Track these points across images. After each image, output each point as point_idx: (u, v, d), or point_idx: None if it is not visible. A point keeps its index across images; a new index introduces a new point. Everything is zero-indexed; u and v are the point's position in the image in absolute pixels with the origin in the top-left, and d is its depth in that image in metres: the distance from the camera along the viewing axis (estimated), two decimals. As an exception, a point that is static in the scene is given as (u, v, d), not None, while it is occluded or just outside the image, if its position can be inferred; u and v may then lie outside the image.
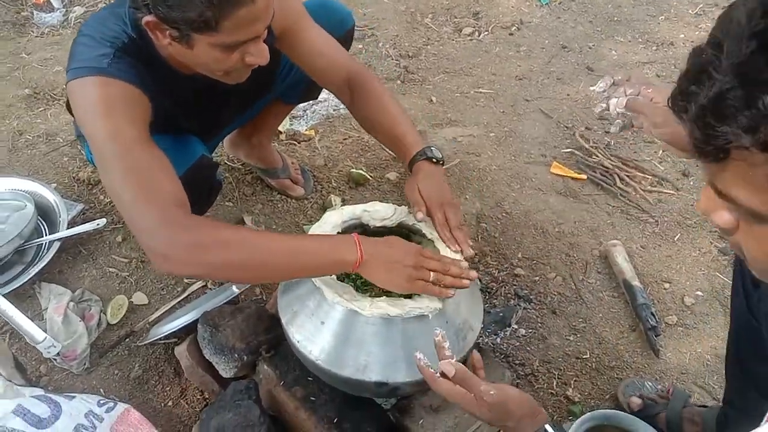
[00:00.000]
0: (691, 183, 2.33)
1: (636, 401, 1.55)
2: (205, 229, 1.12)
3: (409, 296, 1.26)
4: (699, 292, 1.91)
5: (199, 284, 1.80)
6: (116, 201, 1.19)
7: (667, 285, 1.94)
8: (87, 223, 1.88)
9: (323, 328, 1.20)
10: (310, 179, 2.24)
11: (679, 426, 1.49)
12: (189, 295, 1.77)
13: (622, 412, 1.28)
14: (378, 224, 1.36)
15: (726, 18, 0.56)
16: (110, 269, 1.85)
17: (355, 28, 3.05)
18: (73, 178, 2.18)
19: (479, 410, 0.97)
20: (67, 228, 1.86)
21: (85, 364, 1.58)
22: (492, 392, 0.96)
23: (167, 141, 1.28)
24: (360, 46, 3.04)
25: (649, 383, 1.60)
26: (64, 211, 1.89)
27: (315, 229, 1.30)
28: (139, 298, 1.77)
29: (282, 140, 2.43)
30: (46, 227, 1.91)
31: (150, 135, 1.20)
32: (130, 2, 1.19)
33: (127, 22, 1.25)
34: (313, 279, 1.20)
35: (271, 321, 1.45)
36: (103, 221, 1.88)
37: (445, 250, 1.26)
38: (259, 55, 1.22)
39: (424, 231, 1.33)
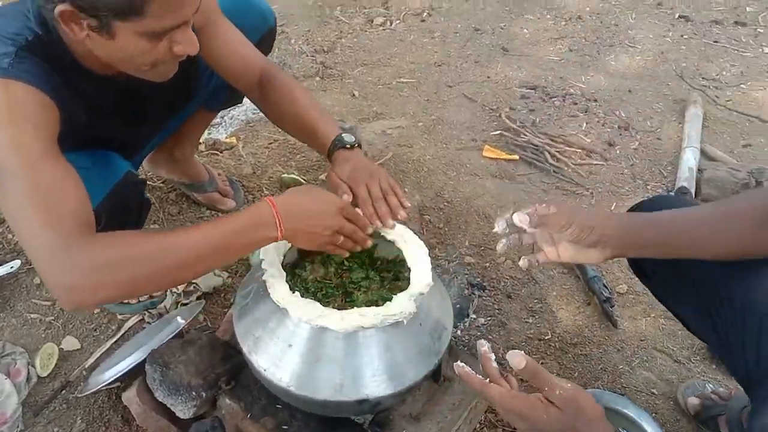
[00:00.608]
0: (618, 152, 2.38)
1: (694, 402, 1.51)
2: (109, 245, 1.00)
3: (375, 302, 1.19)
4: (643, 258, 1.95)
5: (135, 319, 1.65)
6: (12, 225, 1.04)
7: (612, 255, 1.97)
8: (-3, 267, 1.68)
9: (291, 351, 1.10)
10: (240, 190, 2.11)
11: (741, 428, 1.42)
12: (126, 332, 1.62)
13: (602, 390, 1.27)
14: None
15: None
16: (32, 315, 1.66)
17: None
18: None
19: (546, 413, 0.86)
20: (-27, 275, 1.65)
21: (18, 426, 1.40)
22: (568, 385, 0.87)
23: (86, 159, 1.15)
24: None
25: (711, 384, 1.56)
26: (-34, 256, 1.68)
27: (267, 246, 1.20)
28: (70, 343, 1.59)
29: (202, 152, 2.29)
30: (-53, 277, 1.69)
31: (58, 147, 1.06)
32: None
33: (30, 17, 1.10)
34: (275, 298, 1.10)
35: (226, 350, 1.34)
36: (17, 263, 1.68)
37: (412, 255, 1.20)
38: (188, 43, 1.11)
39: (383, 232, 1.26)
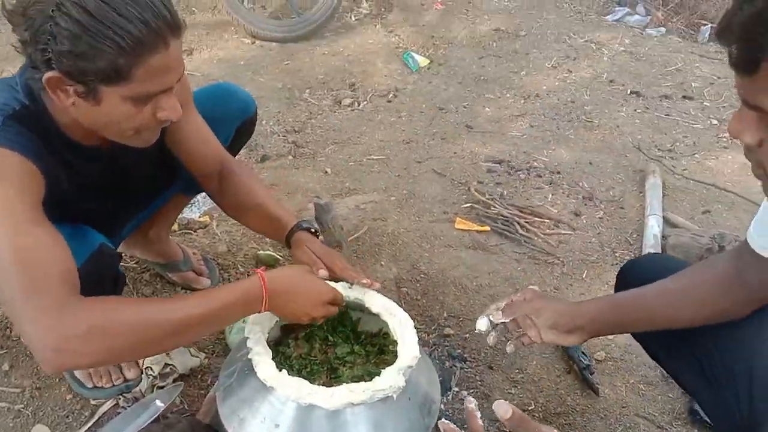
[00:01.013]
0: (584, 221, 2.46)
1: None
2: (102, 309, 1.02)
3: (361, 377, 1.19)
4: (617, 324, 1.98)
5: (109, 404, 1.58)
6: None
7: (587, 322, 1.99)
8: (-40, 356, 1.61)
9: None
10: (215, 268, 2.09)
11: None
12: (100, 418, 1.55)
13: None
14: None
15: None
16: (0, 404, 1.58)
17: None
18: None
19: None
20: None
21: None
22: (555, 431, 0.93)
23: (61, 229, 1.15)
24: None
25: None
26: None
27: (251, 324, 1.19)
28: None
29: (175, 231, 2.28)
30: None
31: (43, 212, 1.07)
32: (26, 62, 1.08)
33: (18, 89, 1.13)
34: (261, 377, 1.08)
35: (207, 432, 1.30)
36: (-18, 350, 1.62)
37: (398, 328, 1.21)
38: (172, 109, 1.14)
39: (367, 304, 1.27)
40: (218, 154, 1.52)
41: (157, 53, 1.04)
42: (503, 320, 1.24)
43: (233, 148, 1.76)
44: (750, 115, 0.76)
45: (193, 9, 4.19)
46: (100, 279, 1.22)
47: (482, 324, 1.25)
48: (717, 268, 1.16)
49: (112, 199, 1.39)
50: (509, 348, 1.29)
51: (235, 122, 1.70)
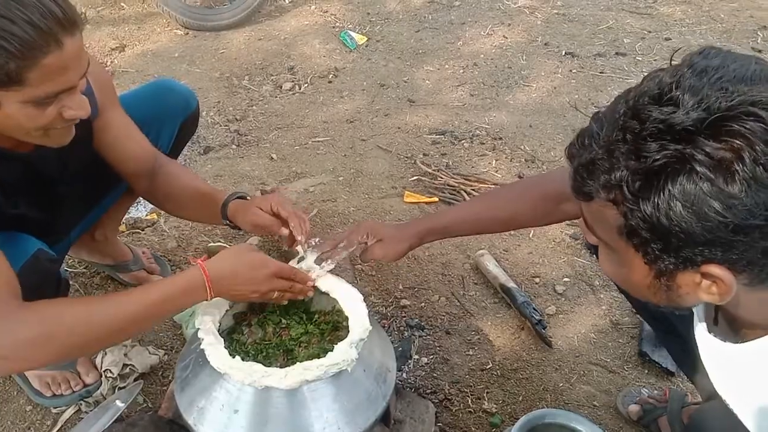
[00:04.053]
0: (529, 183, 2.52)
1: (634, 409, 1.58)
2: (45, 317, 1.04)
3: (317, 355, 1.21)
4: (566, 278, 2.06)
5: (71, 411, 1.58)
6: None
7: (537, 279, 2.06)
8: None
9: (237, 417, 1.10)
10: (166, 265, 2.08)
11: (681, 425, 1.50)
12: (63, 426, 1.54)
13: (556, 409, 1.32)
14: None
15: (613, 103, 0.79)
16: (-46, 425, 1.56)
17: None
18: None
19: None
20: None
21: None
22: None
23: None
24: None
25: (645, 389, 1.64)
26: None
27: (201, 314, 1.20)
28: (1, 447, 1.51)
29: (123, 231, 2.25)
30: None
31: None
32: None
33: None
34: (214, 365, 1.10)
35: (171, 428, 1.31)
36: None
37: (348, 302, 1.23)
38: (79, 107, 1.12)
39: (316, 284, 1.29)
40: (148, 152, 1.51)
41: (49, 54, 1.01)
42: (340, 257, 1.37)
43: (178, 145, 1.75)
44: (584, 225, 0.88)
45: (122, 4, 4.06)
46: (39, 285, 1.21)
47: (309, 254, 1.35)
48: (542, 191, 1.37)
49: (44, 204, 1.37)
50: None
51: (177, 119, 1.69)
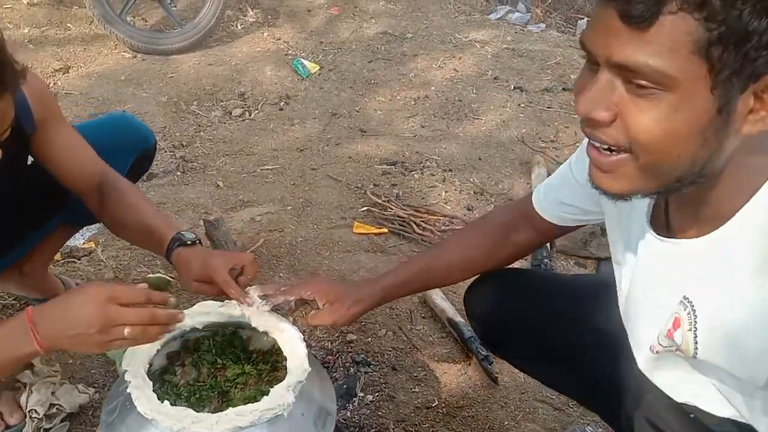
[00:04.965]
0: (476, 215, 2.53)
1: None
2: None
3: (254, 397, 1.16)
4: (513, 313, 2.06)
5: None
6: None
7: (484, 313, 2.05)
8: None
9: (166, 465, 1.04)
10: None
11: None
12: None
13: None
14: (201, 325, 1.24)
15: None
16: None
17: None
18: None
19: None
20: None
21: None
22: None
23: None
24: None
25: (590, 427, 1.63)
26: None
27: (129, 354, 1.14)
28: None
29: (58, 260, 2.14)
30: None
31: None
32: None
33: None
34: (141, 410, 1.03)
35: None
36: None
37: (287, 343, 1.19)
38: None
39: (253, 323, 1.24)
40: (95, 168, 1.44)
41: None
42: (277, 300, 1.26)
43: (129, 177, 1.69)
44: (606, 86, 0.72)
45: (68, 25, 3.96)
46: None
47: (255, 295, 1.25)
48: (487, 227, 1.36)
49: None
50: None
51: (132, 153, 1.65)
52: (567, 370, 1.25)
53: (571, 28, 4.74)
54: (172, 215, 2.36)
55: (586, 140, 0.82)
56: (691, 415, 0.94)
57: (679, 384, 0.95)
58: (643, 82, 0.70)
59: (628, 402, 1.07)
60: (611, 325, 1.11)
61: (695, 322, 0.84)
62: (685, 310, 0.85)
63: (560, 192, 1.19)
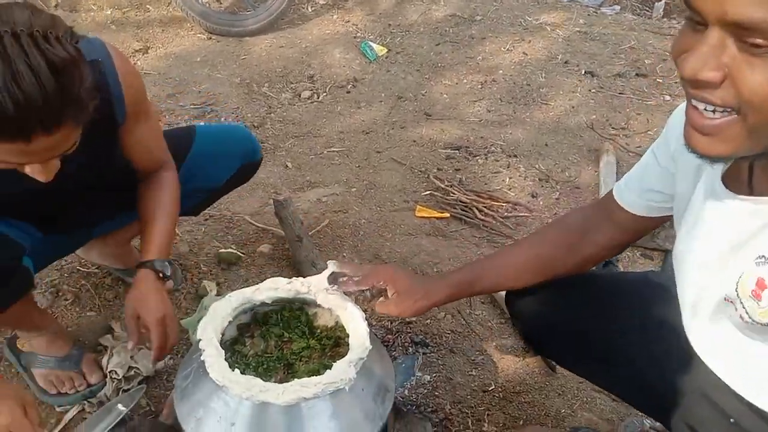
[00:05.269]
0: (541, 202, 2.51)
1: None
2: None
3: (317, 371, 1.21)
4: (574, 302, 2.04)
5: (74, 411, 1.60)
6: None
7: (545, 301, 2.05)
8: None
9: (234, 430, 1.11)
10: (177, 269, 2.10)
11: None
12: (66, 425, 1.57)
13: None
14: (270, 300, 1.30)
15: None
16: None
17: (194, 105, 3.01)
18: None
19: None
20: None
21: None
22: None
23: None
24: (202, 123, 2.96)
25: (648, 420, 1.60)
26: None
27: (204, 324, 1.21)
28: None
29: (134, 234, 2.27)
30: None
31: None
32: None
33: None
34: (214, 377, 1.11)
35: (170, 433, 1.32)
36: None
37: (349, 321, 1.24)
38: (36, 174, 1.10)
39: (319, 301, 1.29)
40: (160, 158, 1.56)
41: (10, 143, 0.99)
42: (348, 289, 1.29)
43: (230, 183, 1.85)
44: (716, 46, 0.70)
45: (148, 6, 4.13)
46: None
47: (331, 265, 1.30)
48: (563, 227, 1.31)
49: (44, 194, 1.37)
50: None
51: (237, 160, 1.79)
52: (611, 373, 1.25)
53: (648, 11, 4.56)
54: (244, 194, 2.44)
55: (681, 107, 0.80)
56: (731, 420, 0.93)
57: (728, 351, 0.94)
58: (759, 41, 0.67)
59: (671, 404, 1.07)
60: (660, 328, 1.12)
61: None
62: None
63: (645, 179, 1.15)
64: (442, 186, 2.54)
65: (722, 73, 0.71)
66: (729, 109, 0.73)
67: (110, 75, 1.32)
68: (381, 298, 1.30)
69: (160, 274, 1.44)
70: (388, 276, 1.28)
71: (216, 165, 1.75)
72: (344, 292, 1.29)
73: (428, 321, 1.97)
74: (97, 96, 1.09)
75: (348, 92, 3.29)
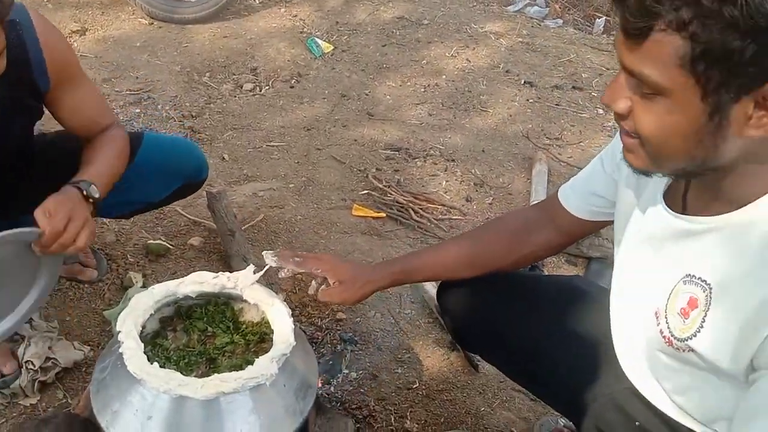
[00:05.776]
0: (474, 207, 2.57)
1: None
2: None
3: (240, 366, 1.21)
4: (500, 305, 2.11)
5: (-17, 403, 1.54)
6: None
7: (472, 303, 2.11)
8: None
9: (150, 424, 1.09)
10: (102, 259, 2.05)
11: None
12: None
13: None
14: (195, 294, 1.29)
15: None
16: None
17: (130, 92, 2.93)
18: None
19: None
20: None
21: None
22: None
23: None
24: (137, 110, 2.89)
25: (563, 420, 1.66)
26: None
27: (124, 316, 1.20)
28: None
29: (63, 221, 2.20)
30: None
31: None
32: None
33: None
34: (131, 370, 1.09)
35: (85, 427, 1.29)
36: None
37: (275, 317, 1.24)
38: None
39: (245, 296, 1.29)
40: (103, 122, 1.52)
41: None
42: (288, 267, 1.27)
43: (169, 198, 1.81)
44: (624, 84, 0.83)
45: (87, -15, 3.99)
46: None
47: (268, 258, 1.26)
48: (505, 225, 1.37)
49: None
50: (311, 290, 1.33)
51: (180, 178, 1.76)
52: (532, 372, 1.31)
53: (588, 26, 4.72)
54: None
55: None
56: (636, 423, 1.00)
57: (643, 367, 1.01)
58: (646, 90, 0.80)
59: (584, 407, 1.13)
60: (582, 334, 1.17)
61: (709, 302, 0.87)
62: (704, 292, 0.88)
63: (590, 184, 1.21)
64: (380, 186, 2.56)
65: (628, 107, 0.84)
66: (635, 136, 0.85)
67: (29, 38, 1.29)
68: (322, 288, 1.31)
69: (84, 193, 1.32)
70: (329, 265, 1.30)
71: (157, 180, 1.71)
72: (279, 268, 1.27)
73: (358, 319, 1.99)
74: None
75: (291, 87, 3.27)
